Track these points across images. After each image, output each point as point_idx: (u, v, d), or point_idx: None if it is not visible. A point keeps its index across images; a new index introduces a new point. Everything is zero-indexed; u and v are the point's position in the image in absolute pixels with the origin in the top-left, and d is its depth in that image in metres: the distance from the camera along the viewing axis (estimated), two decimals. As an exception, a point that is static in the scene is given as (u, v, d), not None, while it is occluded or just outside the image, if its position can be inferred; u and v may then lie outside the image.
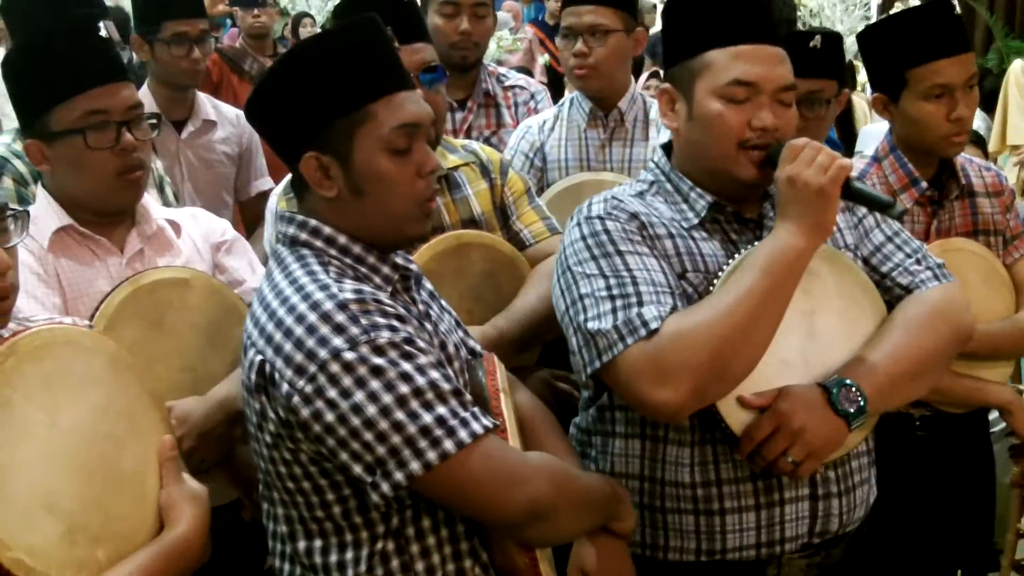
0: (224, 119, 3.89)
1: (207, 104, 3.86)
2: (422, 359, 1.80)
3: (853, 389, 2.02)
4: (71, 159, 2.27)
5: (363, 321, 1.78)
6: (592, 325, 2.00)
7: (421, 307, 2.01)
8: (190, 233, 2.47)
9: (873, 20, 9.03)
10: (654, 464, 2.14)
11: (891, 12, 8.18)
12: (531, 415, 2.14)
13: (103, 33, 2.28)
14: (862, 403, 2.02)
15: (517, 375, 2.30)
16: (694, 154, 2.15)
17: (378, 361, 1.76)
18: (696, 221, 2.14)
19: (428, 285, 2.15)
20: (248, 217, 4.02)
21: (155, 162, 3.10)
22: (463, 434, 1.78)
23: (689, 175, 2.17)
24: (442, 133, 2.70)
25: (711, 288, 2.04)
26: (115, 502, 1.67)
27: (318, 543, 1.90)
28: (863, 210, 2.26)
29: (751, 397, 2.01)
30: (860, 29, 8.90)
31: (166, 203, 3.05)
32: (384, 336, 1.78)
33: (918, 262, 2.23)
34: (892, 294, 2.20)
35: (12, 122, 2.99)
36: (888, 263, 2.23)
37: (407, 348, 1.79)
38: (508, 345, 2.44)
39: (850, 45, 6.67)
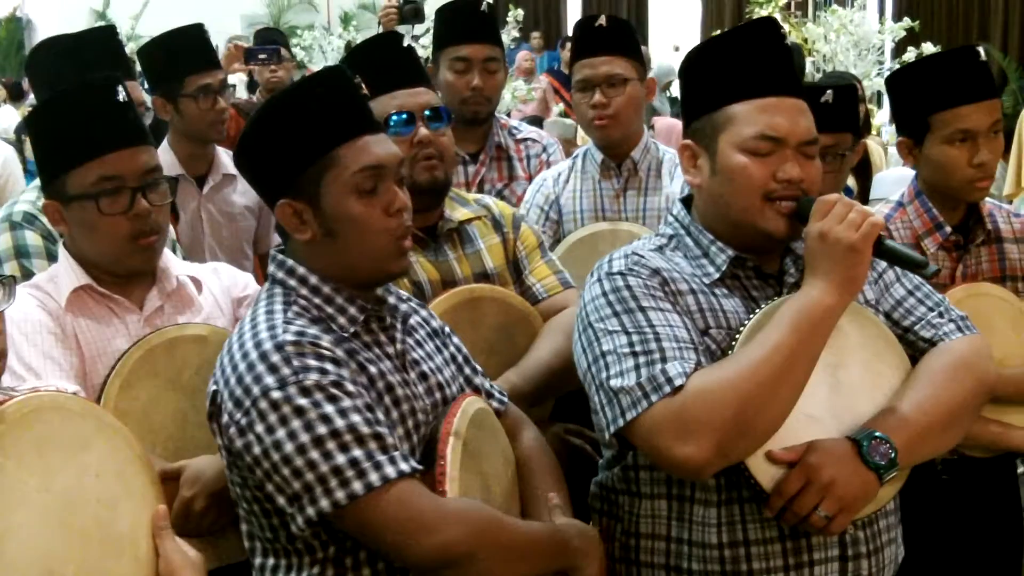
0: (244, 171, 3.91)
1: (227, 158, 3.89)
2: (346, 402, 1.88)
3: (884, 442, 1.99)
4: (85, 222, 2.28)
5: (295, 363, 1.89)
6: (615, 383, 1.98)
7: (398, 346, 2.07)
8: (211, 288, 2.48)
9: (887, 65, 9.06)
10: (680, 524, 2.11)
11: (904, 57, 8.22)
12: (531, 455, 2.20)
13: (121, 97, 2.27)
14: (893, 456, 1.99)
15: None
16: (718, 208, 2.13)
17: (301, 402, 1.86)
18: (717, 276, 2.11)
19: (434, 323, 2.22)
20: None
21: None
22: (373, 477, 1.85)
23: (712, 229, 2.15)
24: (452, 174, 2.71)
25: (733, 344, 2.02)
26: (112, 565, 1.67)
27: (271, 561, 2.02)
28: (883, 264, 2.24)
29: (780, 452, 1.98)
30: (874, 74, 8.90)
31: None
32: (312, 378, 1.88)
33: (940, 315, 2.21)
34: (916, 348, 2.18)
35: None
36: (910, 317, 2.21)
37: (333, 391, 1.88)
38: (521, 400, 2.44)
39: (863, 91, 6.68)
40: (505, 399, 2.29)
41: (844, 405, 2.06)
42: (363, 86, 2.09)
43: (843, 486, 1.96)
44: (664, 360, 1.96)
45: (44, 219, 2.90)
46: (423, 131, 2.60)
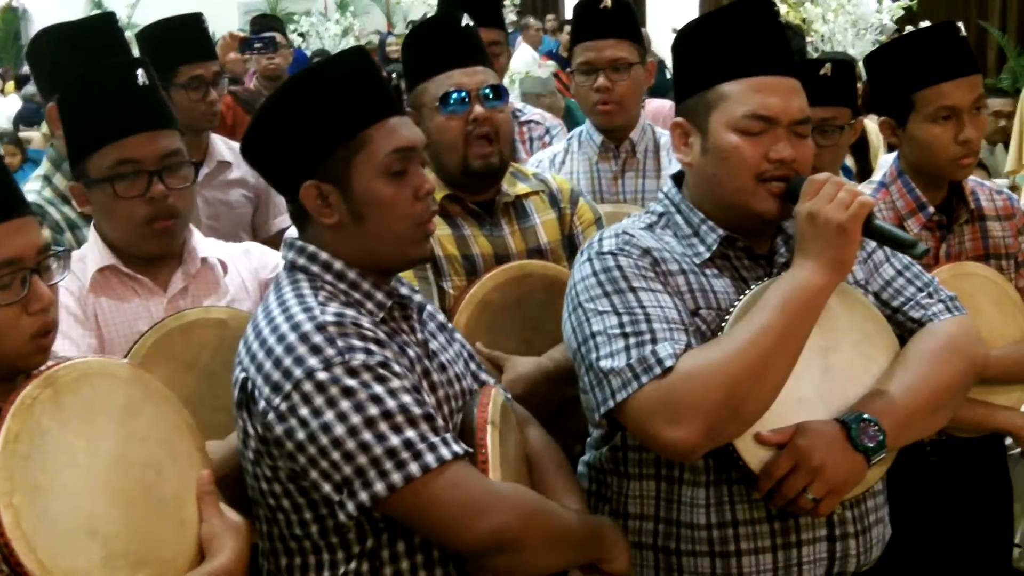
0: (240, 159, 3.91)
1: (222, 145, 3.89)
2: (395, 383, 1.84)
3: (872, 424, 1.99)
4: (104, 205, 2.30)
5: (339, 343, 1.84)
6: (605, 364, 1.97)
7: (419, 336, 2.05)
8: (240, 270, 2.47)
9: (886, 44, 9.01)
10: (669, 505, 2.11)
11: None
12: (540, 452, 2.17)
13: (141, 81, 2.28)
14: (881, 438, 1.99)
15: (571, 405, 2.30)
16: (709, 188, 2.12)
17: (350, 382, 1.82)
18: (707, 256, 2.10)
19: (440, 317, 2.21)
20: None
21: None
22: (429, 458, 1.81)
23: (702, 208, 2.14)
24: (509, 153, 2.72)
25: (723, 325, 2.01)
26: (155, 527, 1.74)
27: (297, 561, 1.96)
28: (872, 244, 2.23)
29: (769, 434, 1.98)
30: (872, 54, 8.74)
31: None
32: (359, 358, 1.83)
33: (930, 295, 2.20)
34: (904, 328, 2.18)
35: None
36: (899, 297, 2.20)
37: (381, 371, 1.84)
38: (563, 376, 2.44)
39: (862, 70, 6.65)
40: (509, 396, 2.27)
41: (833, 387, 2.05)
42: (392, 74, 2.07)
43: (832, 469, 1.95)
44: (654, 341, 1.95)
45: (51, 210, 2.91)
46: (478, 109, 2.60)
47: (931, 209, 2.77)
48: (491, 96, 2.63)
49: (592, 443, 2.27)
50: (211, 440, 2.22)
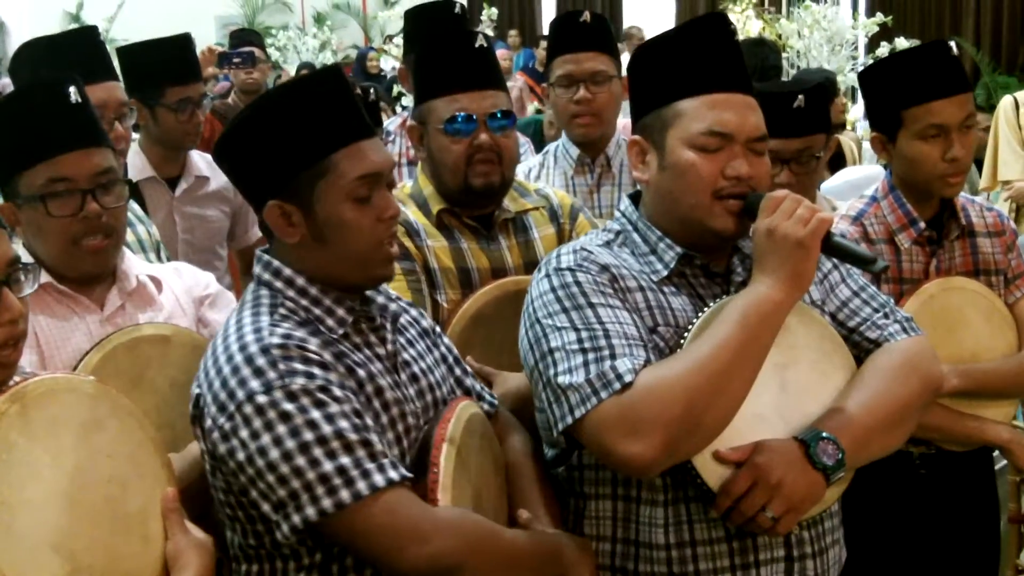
0: (217, 173, 3.90)
1: (199, 160, 3.89)
2: (334, 407, 1.85)
3: (831, 442, 1.98)
4: (36, 224, 2.25)
5: (281, 366, 1.86)
6: (563, 379, 1.96)
7: (389, 347, 2.05)
8: (173, 288, 2.45)
9: (860, 60, 9.08)
10: (627, 525, 2.09)
11: (877, 52, 8.26)
12: (520, 461, 2.17)
13: (74, 98, 2.24)
14: (840, 456, 1.98)
15: None
16: (666, 205, 2.12)
17: (288, 407, 1.83)
18: (665, 273, 2.10)
19: (424, 323, 2.20)
20: (248, 265, 4.03)
21: (150, 227, 3.12)
22: (361, 485, 1.82)
23: (659, 226, 2.13)
24: (511, 175, 2.71)
25: (681, 342, 2.00)
26: (120, 543, 1.74)
27: (255, 568, 2.00)
28: (828, 265, 2.23)
29: (727, 451, 1.97)
30: (847, 69, 8.85)
31: None
32: (299, 382, 1.85)
33: (886, 316, 2.20)
34: (861, 348, 2.17)
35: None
36: (856, 318, 2.20)
37: (320, 396, 1.85)
38: None
39: (837, 83, 6.67)
40: (495, 402, 2.27)
41: (791, 405, 2.05)
42: (369, 91, 2.04)
43: (791, 487, 1.95)
44: (613, 357, 1.94)
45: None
46: (483, 136, 2.58)
47: (922, 224, 2.78)
48: (500, 117, 2.61)
49: (547, 463, 2.24)
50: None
